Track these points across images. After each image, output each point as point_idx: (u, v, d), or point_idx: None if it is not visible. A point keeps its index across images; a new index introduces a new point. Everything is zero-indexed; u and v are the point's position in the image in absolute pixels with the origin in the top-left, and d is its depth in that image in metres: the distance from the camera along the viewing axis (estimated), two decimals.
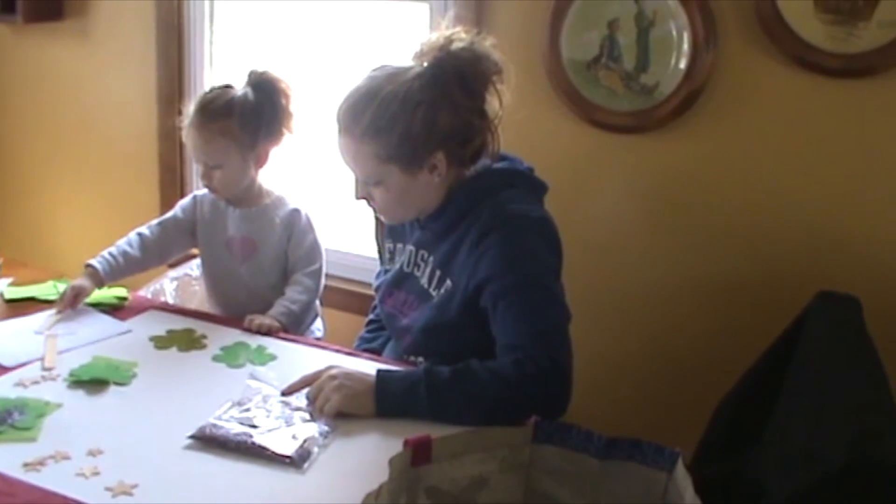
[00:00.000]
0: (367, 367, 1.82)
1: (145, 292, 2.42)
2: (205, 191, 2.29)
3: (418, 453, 1.35)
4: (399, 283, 2.00)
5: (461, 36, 1.84)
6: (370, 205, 1.93)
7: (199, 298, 2.56)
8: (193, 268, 2.60)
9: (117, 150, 3.19)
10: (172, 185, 3.09)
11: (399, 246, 2.04)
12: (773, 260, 2.32)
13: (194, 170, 3.07)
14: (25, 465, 1.49)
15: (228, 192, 2.23)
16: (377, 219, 2.09)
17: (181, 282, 2.58)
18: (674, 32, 2.28)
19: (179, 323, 2.09)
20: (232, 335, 2.04)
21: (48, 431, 1.60)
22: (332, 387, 1.70)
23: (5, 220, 3.47)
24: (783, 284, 2.28)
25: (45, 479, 1.46)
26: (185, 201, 2.35)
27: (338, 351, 2.00)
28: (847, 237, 2.24)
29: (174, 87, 3.01)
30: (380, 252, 2.14)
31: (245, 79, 2.20)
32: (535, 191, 1.95)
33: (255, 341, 2.01)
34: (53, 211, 3.40)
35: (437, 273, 1.91)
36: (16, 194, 3.46)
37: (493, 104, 1.86)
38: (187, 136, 2.18)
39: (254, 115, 2.15)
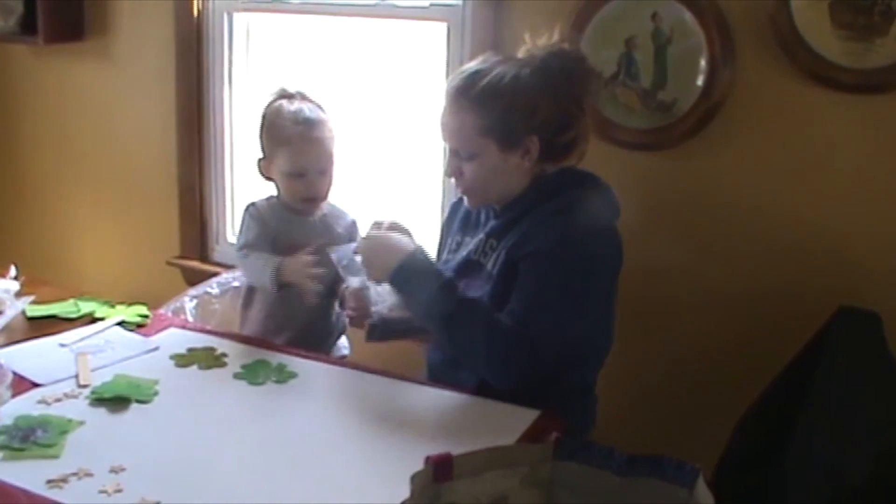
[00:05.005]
0: (393, 387, 1.88)
1: (166, 310, 2.43)
2: (256, 201, 2.28)
3: (439, 470, 1.35)
4: (465, 270, 2.02)
5: (568, 45, 2.01)
6: (458, 183, 2.00)
7: (218, 317, 2.56)
8: (213, 286, 2.61)
9: (137, 169, 3.21)
10: (192, 204, 3.10)
11: (468, 238, 2.08)
12: (792, 276, 2.31)
13: (214, 189, 3.08)
14: (49, 482, 1.50)
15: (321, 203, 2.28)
16: (453, 207, 2.19)
17: (201, 300, 2.59)
18: (691, 49, 2.28)
19: (200, 341, 2.10)
20: (252, 353, 2.05)
21: (71, 449, 1.61)
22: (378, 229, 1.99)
23: (27, 238, 3.49)
24: (802, 300, 2.27)
25: (67, 496, 1.47)
26: (249, 220, 2.26)
27: (358, 368, 2.00)
28: (866, 252, 2.23)
29: (193, 107, 3.02)
30: (440, 244, 2.21)
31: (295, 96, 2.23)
32: (613, 208, 2.03)
33: (275, 359, 2.02)
34: (74, 230, 3.42)
35: (502, 256, 1.94)
36: (37, 213, 3.49)
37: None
38: (292, 150, 2.17)
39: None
